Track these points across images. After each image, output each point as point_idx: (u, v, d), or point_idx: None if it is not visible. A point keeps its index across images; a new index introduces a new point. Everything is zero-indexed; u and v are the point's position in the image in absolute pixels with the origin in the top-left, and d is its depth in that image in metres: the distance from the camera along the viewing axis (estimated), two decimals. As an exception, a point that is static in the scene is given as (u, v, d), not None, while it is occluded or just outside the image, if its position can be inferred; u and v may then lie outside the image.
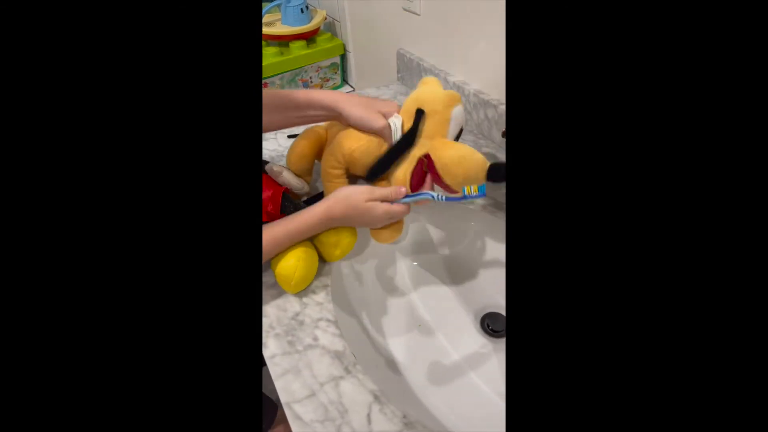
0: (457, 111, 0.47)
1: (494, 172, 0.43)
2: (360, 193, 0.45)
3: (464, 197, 0.44)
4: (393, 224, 0.51)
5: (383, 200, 0.46)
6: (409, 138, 0.47)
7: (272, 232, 0.44)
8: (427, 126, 0.46)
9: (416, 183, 0.47)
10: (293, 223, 0.45)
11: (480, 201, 0.59)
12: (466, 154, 0.44)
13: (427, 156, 0.46)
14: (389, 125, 0.48)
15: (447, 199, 0.45)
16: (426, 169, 0.47)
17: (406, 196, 0.46)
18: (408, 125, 0.47)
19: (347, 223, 0.47)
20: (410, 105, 0.47)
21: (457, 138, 0.48)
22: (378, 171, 0.48)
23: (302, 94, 0.51)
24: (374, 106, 0.49)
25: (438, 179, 0.46)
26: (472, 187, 0.44)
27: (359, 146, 0.49)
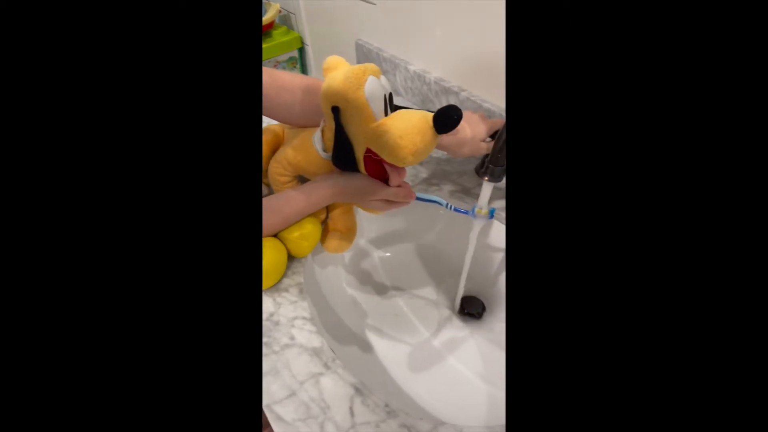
0: (369, 87, 0.39)
1: (442, 123, 0.37)
2: (370, 192, 0.45)
3: (473, 215, 0.46)
4: (344, 236, 0.52)
5: (388, 200, 0.46)
6: (340, 142, 0.42)
7: (283, 212, 0.47)
8: (351, 119, 0.40)
9: (378, 177, 0.46)
10: (302, 203, 0.47)
11: (448, 187, 0.60)
12: (402, 132, 0.38)
13: (368, 151, 0.42)
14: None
15: (456, 209, 0.47)
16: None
17: (417, 197, 0.46)
18: (332, 126, 0.43)
19: (350, 201, 0.49)
20: (324, 106, 0.42)
21: (390, 106, 0.41)
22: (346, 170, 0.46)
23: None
24: None
25: (395, 168, 0.43)
26: (483, 210, 0.46)
27: (303, 157, 0.48)
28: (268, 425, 0.37)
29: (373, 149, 0.41)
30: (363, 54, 0.86)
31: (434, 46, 0.70)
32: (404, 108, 0.40)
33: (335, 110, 0.41)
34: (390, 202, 0.46)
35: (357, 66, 0.40)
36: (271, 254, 0.46)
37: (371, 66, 0.40)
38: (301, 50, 1.11)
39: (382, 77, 0.41)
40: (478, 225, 0.49)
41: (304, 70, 1.15)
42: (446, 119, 0.37)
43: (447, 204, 0.47)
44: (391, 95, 0.42)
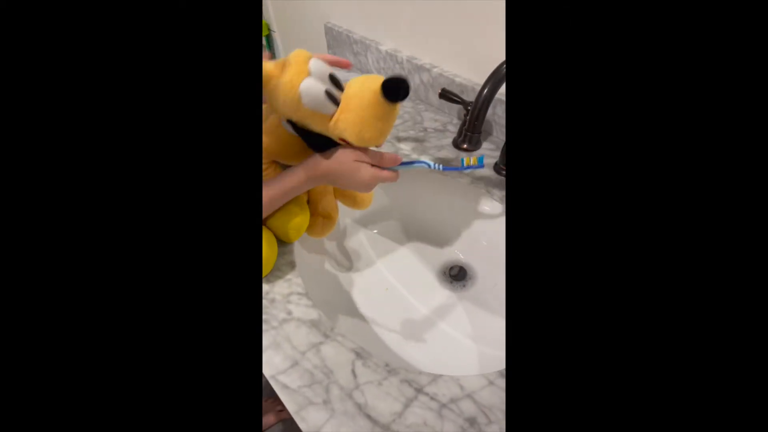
0: (306, 93, 0.37)
1: (390, 92, 0.36)
2: (350, 152, 0.42)
3: (462, 168, 0.43)
4: (326, 221, 0.52)
5: (373, 164, 0.43)
6: (311, 142, 0.43)
7: (266, 194, 0.43)
8: (310, 125, 0.40)
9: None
10: (281, 185, 0.43)
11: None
12: (360, 126, 0.38)
13: (342, 140, 0.41)
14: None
15: (445, 168, 0.44)
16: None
17: (402, 163, 0.44)
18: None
19: (333, 181, 0.45)
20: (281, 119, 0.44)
21: (336, 85, 0.39)
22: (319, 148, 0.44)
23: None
24: None
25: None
26: (471, 159, 0.44)
27: (272, 140, 0.46)
28: (273, 409, 0.38)
29: (346, 141, 0.40)
30: (333, 37, 0.86)
31: (404, 24, 0.71)
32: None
33: (291, 123, 0.41)
34: (376, 172, 0.43)
35: (287, 75, 0.37)
36: (267, 244, 0.46)
37: (297, 64, 0.38)
38: (268, 37, 1.10)
39: (313, 62, 0.38)
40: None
41: (272, 56, 1.14)
42: (392, 88, 0.36)
43: (434, 165, 0.44)
44: (332, 76, 0.39)
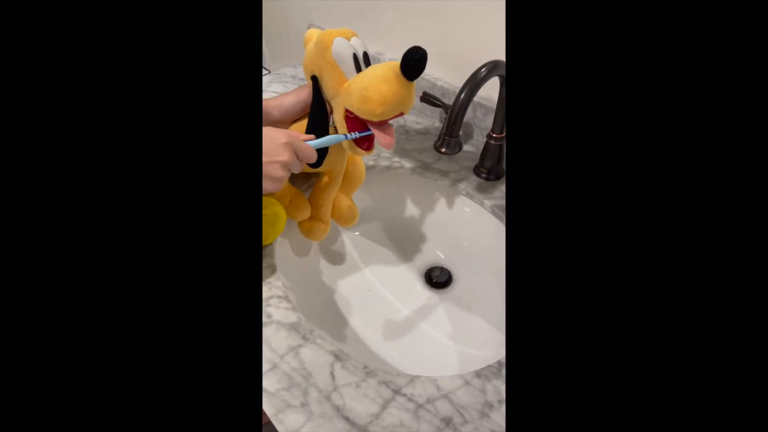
0: (336, 48, 0.40)
1: (406, 67, 0.36)
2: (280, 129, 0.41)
3: (369, 131, 0.43)
4: (314, 225, 0.52)
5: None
6: (316, 109, 0.44)
7: None
8: (327, 84, 0.42)
9: (364, 139, 0.44)
10: None
11: (409, 164, 0.62)
12: (366, 85, 0.39)
13: (347, 111, 0.42)
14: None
15: (360, 134, 0.43)
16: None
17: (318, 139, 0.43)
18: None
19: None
20: (307, 79, 0.44)
21: (366, 65, 0.42)
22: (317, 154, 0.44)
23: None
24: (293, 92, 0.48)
25: (371, 123, 0.43)
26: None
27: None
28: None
29: (350, 110, 0.41)
30: (316, 39, 0.86)
31: (386, 27, 0.72)
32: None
33: (314, 79, 0.43)
34: (292, 137, 0.40)
35: (326, 30, 0.42)
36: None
37: (342, 29, 0.42)
38: (252, 38, 1.09)
39: (354, 38, 0.42)
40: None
41: (256, 58, 1.13)
42: (410, 62, 0.36)
43: (348, 135, 0.43)
44: (366, 55, 0.43)
